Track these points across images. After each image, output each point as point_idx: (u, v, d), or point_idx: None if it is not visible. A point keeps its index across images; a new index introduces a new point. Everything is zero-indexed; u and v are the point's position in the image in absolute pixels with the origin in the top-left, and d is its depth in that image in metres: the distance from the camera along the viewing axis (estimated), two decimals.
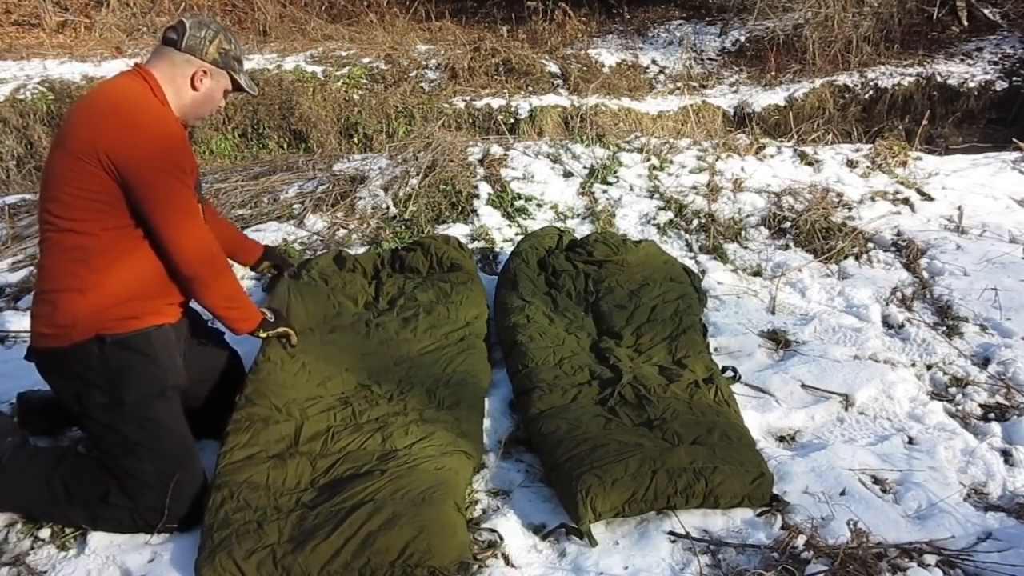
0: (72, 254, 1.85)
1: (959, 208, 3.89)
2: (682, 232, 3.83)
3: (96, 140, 1.80)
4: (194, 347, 2.16)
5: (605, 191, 4.21)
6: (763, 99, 7.47)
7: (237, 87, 2.09)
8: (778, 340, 2.86)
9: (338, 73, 7.53)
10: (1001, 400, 2.51)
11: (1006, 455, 2.25)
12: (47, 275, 1.89)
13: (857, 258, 3.50)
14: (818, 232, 3.68)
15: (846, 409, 2.47)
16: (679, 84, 7.96)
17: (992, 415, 2.45)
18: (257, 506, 1.89)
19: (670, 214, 3.94)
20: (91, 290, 1.85)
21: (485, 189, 4.10)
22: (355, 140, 6.90)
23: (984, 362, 2.72)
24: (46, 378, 1.98)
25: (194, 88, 1.99)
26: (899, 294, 3.18)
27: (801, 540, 1.87)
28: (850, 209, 3.92)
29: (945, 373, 2.66)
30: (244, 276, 3.31)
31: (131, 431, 1.90)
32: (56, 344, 1.88)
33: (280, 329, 2.24)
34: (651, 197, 4.16)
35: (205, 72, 2.00)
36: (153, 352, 1.93)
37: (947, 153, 5.11)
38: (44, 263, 1.90)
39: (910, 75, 7.63)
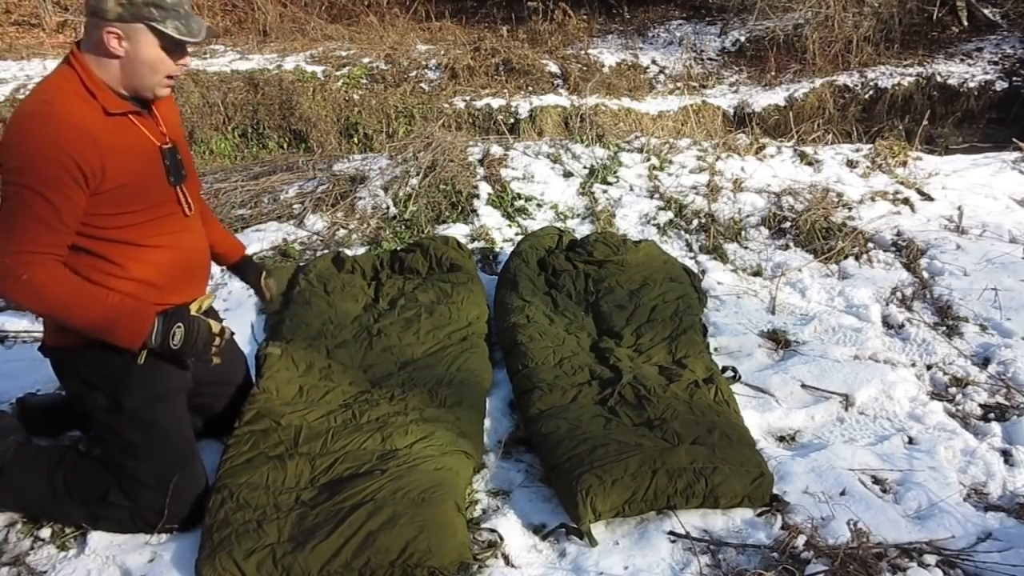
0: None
1: (959, 208, 3.88)
2: (682, 232, 3.83)
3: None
4: None
5: (605, 191, 4.21)
6: (763, 99, 7.46)
7: (170, 40, 1.70)
8: (778, 340, 2.86)
9: (338, 73, 7.53)
10: (1001, 400, 2.51)
11: (1006, 455, 2.25)
12: None
13: (857, 258, 3.50)
14: (818, 232, 3.68)
15: (846, 409, 2.47)
16: (679, 84, 7.96)
17: (992, 415, 2.45)
18: (257, 505, 1.89)
19: (670, 214, 3.94)
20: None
21: (485, 189, 4.10)
22: (355, 140, 6.90)
23: (984, 362, 2.72)
24: (56, 375, 1.98)
25: (113, 56, 1.69)
26: (899, 294, 3.18)
27: (801, 540, 1.87)
28: (850, 209, 3.92)
29: (945, 373, 2.66)
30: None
31: (131, 433, 1.90)
32: (58, 344, 1.88)
33: None
34: (651, 197, 4.16)
35: (114, 35, 1.67)
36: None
37: (947, 153, 5.11)
38: None
39: (910, 75, 7.63)
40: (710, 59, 8.63)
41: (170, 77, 1.78)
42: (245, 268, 2.37)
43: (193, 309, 1.86)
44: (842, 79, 7.71)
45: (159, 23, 1.67)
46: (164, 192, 1.87)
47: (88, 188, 1.68)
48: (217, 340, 1.88)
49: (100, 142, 1.68)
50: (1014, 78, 7.46)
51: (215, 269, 3.30)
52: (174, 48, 1.73)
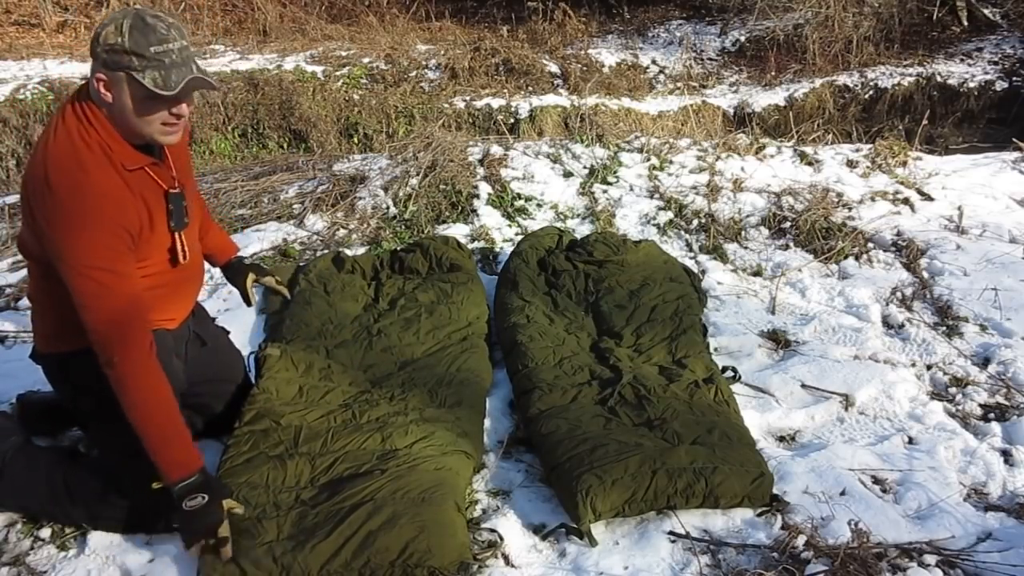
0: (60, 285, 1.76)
1: (959, 208, 3.89)
2: (682, 232, 3.83)
3: None
4: (197, 349, 2.14)
5: (605, 191, 4.21)
6: (763, 99, 7.46)
7: (147, 91, 1.61)
8: (778, 340, 2.86)
9: (338, 73, 7.53)
10: (1001, 400, 2.51)
11: (1006, 455, 2.25)
12: (36, 285, 1.87)
13: (857, 258, 3.50)
14: (818, 232, 3.68)
15: (846, 409, 2.47)
16: (679, 84, 7.96)
17: (992, 415, 2.45)
18: (256, 504, 1.89)
19: (670, 214, 3.94)
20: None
21: (485, 189, 4.10)
22: (355, 140, 6.90)
23: (984, 362, 2.72)
24: (48, 381, 1.99)
25: (104, 102, 1.65)
26: (899, 294, 3.18)
27: (801, 540, 1.87)
28: (850, 209, 3.92)
29: (945, 373, 2.66)
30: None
31: (127, 436, 1.89)
32: (49, 350, 1.89)
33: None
34: (651, 197, 4.16)
35: (102, 81, 1.62)
36: None
37: (947, 153, 5.11)
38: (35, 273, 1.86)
39: (910, 75, 7.63)
40: (710, 59, 8.63)
41: (167, 124, 1.69)
42: (232, 271, 2.33)
43: (226, 504, 1.83)
44: (842, 79, 7.71)
45: (138, 73, 1.59)
46: (161, 238, 1.84)
47: (133, 245, 1.72)
48: (212, 539, 1.79)
49: (131, 201, 1.71)
50: (1014, 78, 7.46)
51: (215, 270, 3.31)
52: (157, 98, 1.63)
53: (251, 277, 2.29)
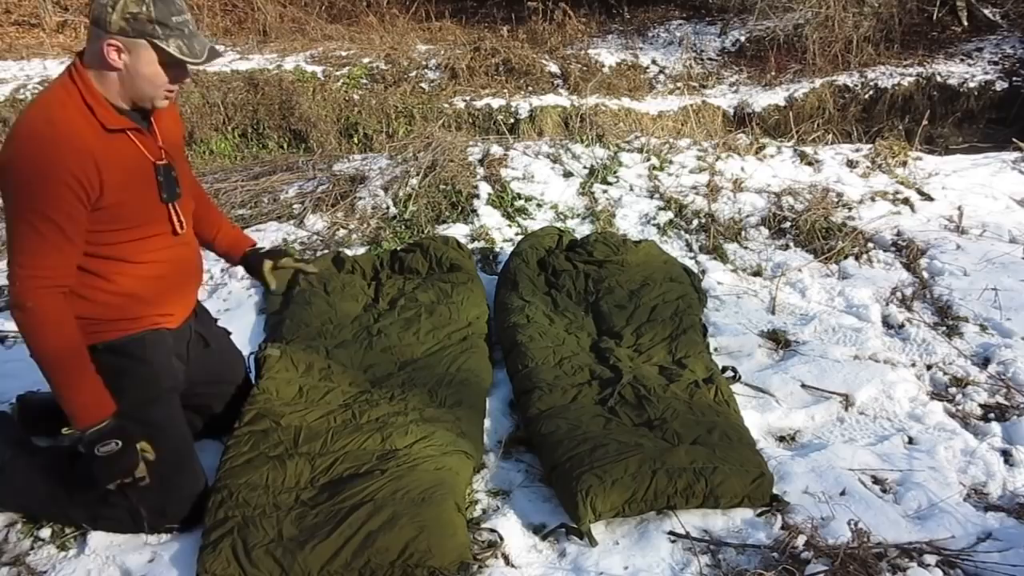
0: None
1: (959, 208, 3.88)
2: (682, 232, 3.83)
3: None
4: (200, 350, 2.14)
5: (605, 191, 4.21)
6: (763, 99, 7.46)
7: (172, 58, 1.69)
8: (778, 340, 2.86)
9: (338, 73, 7.53)
10: (1001, 400, 2.51)
11: (1006, 455, 2.25)
12: None
13: (857, 258, 3.50)
14: (818, 232, 3.68)
15: (846, 409, 2.47)
16: (679, 84, 7.95)
17: (992, 415, 2.45)
18: (256, 504, 1.89)
19: (670, 214, 3.94)
20: (81, 300, 1.81)
21: (485, 189, 4.10)
22: (355, 140, 6.89)
23: (984, 362, 2.72)
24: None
25: (112, 68, 1.69)
26: (899, 294, 3.18)
27: (801, 540, 1.87)
28: (850, 209, 3.92)
29: (945, 373, 2.66)
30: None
31: None
32: None
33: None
34: (651, 197, 4.16)
35: (115, 47, 1.66)
36: (147, 355, 1.91)
37: (947, 153, 5.11)
38: None
39: (910, 75, 7.63)
40: (710, 59, 8.63)
41: (170, 90, 1.77)
42: (248, 264, 2.30)
43: (139, 446, 1.84)
44: (842, 79, 7.70)
45: (161, 41, 1.67)
46: (155, 210, 1.87)
47: (89, 205, 1.71)
48: (128, 479, 1.84)
49: (98, 159, 1.70)
50: (1014, 78, 7.46)
51: (215, 270, 3.32)
52: (174, 65, 1.72)
53: (268, 264, 2.26)
